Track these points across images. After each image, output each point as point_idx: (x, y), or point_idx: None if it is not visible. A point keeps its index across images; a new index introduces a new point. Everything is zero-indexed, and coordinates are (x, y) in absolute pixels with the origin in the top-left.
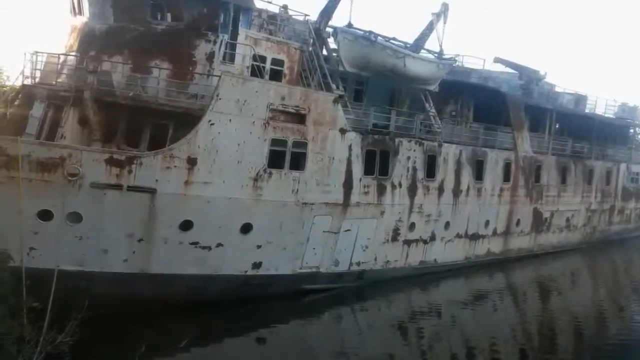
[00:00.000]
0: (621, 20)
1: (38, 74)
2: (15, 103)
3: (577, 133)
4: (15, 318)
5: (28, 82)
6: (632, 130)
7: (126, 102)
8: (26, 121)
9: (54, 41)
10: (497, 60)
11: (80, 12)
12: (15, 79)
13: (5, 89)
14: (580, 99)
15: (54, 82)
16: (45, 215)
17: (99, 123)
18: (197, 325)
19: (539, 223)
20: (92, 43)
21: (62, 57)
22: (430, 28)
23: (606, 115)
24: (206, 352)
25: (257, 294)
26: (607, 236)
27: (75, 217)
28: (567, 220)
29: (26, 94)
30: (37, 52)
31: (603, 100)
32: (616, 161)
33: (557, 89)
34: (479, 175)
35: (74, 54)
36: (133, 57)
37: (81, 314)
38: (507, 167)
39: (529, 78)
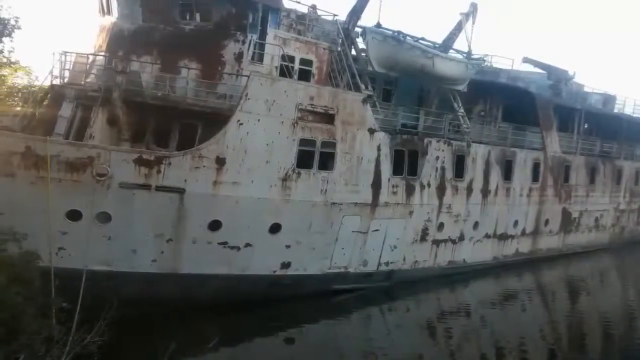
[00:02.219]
0: None
1: (67, 74)
2: (44, 103)
3: (605, 133)
4: (44, 318)
5: (57, 82)
6: None
7: (155, 102)
8: (55, 121)
9: (83, 41)
10: (526, 60)
11: (109, 12)
12: (44, 79)
13: (34, 89)
14: (609, 99)
15: (82, 82)
16: (74, 215)
17: (128, 123)
18: (225, 325)
19: (568, 223)
20: (120, 43)
21: (90, 57)
22: (458, 28)
23: (635, 115)
24: (235, 352)
25: (286, 294)
26: (636, 236)
27: (104, 217)
28: (596, 220)
29: (55, 94)
30: (65, 52)
31: (632, 100)
32: None
33: (586, 89)
34: (507, 175)
35: (102, 54)
36: (162, 57)
37: (110, 314)
38: (535, 167)
39: (557, 78)
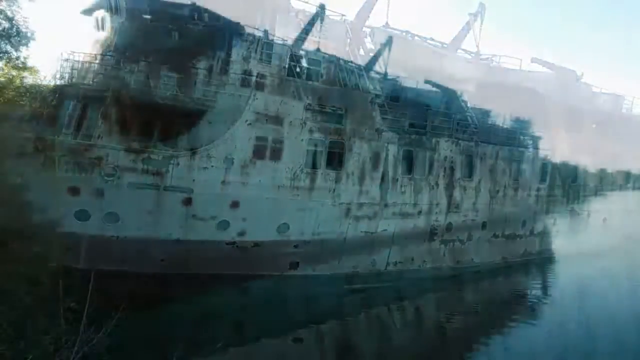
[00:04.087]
0: None
1: (74, 73)
2: (52, 103)
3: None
4: (53, 318)
5: (64, 82)
6: None
7: (163, 102)
8: (63, 121)
9: (91, 41)
10: (534, 60)
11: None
12: (52, 79)
13: (41, 88)
14: (617, 99)
15: (90, 82)
16: (82, 215)
17: (136, 123)
18: (234, 325)
19: (572, 223)
20: (128, 43)
21: (98, 58)
22: (467, 28)
23: None
24: (243, 351)
25: (295, 294)
26: None
27: (113, 217)
28: (604, 220)
29: (62, 94)
30: (73, 52)
31: None
32: None
33: (594, 89)
34: (516, 175)
35: (110, 54)
36: (170, 58)
37: (119, 313)
38: (544, 167)
39: (565, 78)
